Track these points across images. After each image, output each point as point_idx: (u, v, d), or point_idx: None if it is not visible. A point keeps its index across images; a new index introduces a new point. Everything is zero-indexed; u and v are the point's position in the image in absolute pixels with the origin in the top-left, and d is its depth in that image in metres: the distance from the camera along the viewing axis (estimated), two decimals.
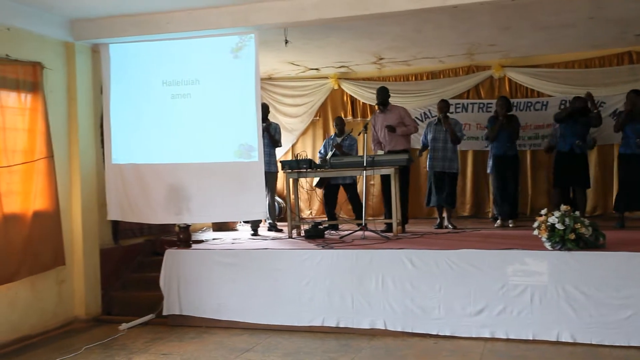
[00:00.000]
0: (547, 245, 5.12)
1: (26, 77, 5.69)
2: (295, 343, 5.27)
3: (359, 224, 6.76)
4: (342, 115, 9.52)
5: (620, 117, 7.08)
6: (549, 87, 8.69)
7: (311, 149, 9.90)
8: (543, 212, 5.25)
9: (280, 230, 7.75)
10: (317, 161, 7.83)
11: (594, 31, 7.30)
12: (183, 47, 6.33)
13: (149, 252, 7.38)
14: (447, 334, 5.22)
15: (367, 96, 9.43)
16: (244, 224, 8.67)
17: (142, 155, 6.46)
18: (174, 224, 6.63)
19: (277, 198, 8.75)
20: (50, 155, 5.87)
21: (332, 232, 7.21)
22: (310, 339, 5.37)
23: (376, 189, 9.21)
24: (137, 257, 7.28)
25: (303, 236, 6.88)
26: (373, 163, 6.68)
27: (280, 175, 8.06)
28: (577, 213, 5.16)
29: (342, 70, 9.49)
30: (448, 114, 7.73)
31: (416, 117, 9.06)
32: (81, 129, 6.36)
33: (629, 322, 4.78)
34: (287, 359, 4.83)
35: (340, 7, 5.62)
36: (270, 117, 7.98)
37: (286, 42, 6.59)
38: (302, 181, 8.27)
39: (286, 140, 9.61)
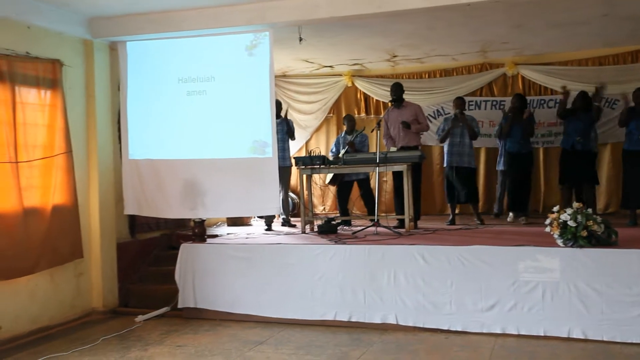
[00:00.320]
0: (559, 242, 5.07)
1: (46, 74, 5.75)
2: (307, 336, 5.27)
3: (371, 220, 6.75)
4: (356, 113, 9.51)
5: (623, 114, 7.03)
6: (561, 85, 8.58)
7: (325, 145, 9.88)
8: (555, 209, 5.21)
9: (294, 226, 7.75)
10: (331, 158, 7.82)
11: (608, 29, 7.21)
12: (198, 45, 6.35)
13: (164, 246, 7.44)
14: (459, 329, 5.19)
15: (380, 93, 9.39)
16: (258, 219, 8.69)
17: (158, 150, 6.49)
18: (189, 219, 6.68)
19: (290, 194, 8.76)
20: (69, 151, 5.92)
21: (344, 227, 7.21)
22: (322, 332, 5.38)
23: (389, 185, 9.18)
24: (153, 250, 7.33)
25: (316, 231, 6.88)
26: (386, 160, 6.66)
27: (294, 170, 8.07)
28: (590, 210, 5.11)
29: (356, 67, 9.46)
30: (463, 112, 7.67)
31: (429, 115, 9.02)
32: (99, 125, 6.41)
33: None
34: (300, 352, 4.84)
35: (353, 5, 5.60)
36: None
37: (300, 39, 6.57)
38: (316, 177, 8.30)
39: (300, 136, 9.62)
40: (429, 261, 5.36)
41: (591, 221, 4.92)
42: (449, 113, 9.17)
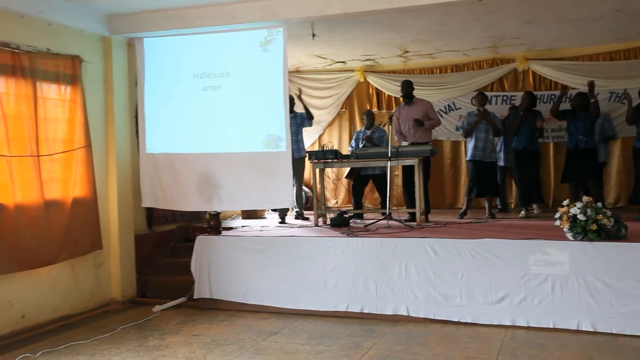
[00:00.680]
0: (569, 235, 5.04)
1: (66, 70, 5.80)
2: (320, 327, 5.30)
3: (383, 213, 6.74)
4: (368, 108, 9.49)
5: (629, 111, 6.95)
6: (573, 80, 8.51)
7: (337, 140, 9.89)
8: (565, 203, 5.17)
9: (307, 219, 7.77)
10: (344, 152, 7.81)
11: (620, 24, 7.13)
12: (214, 41, 6.37)
13: (181, 238, 7.48)
14: (469, 321, 5.19)
15: (392, 89, 9.37)
16: (272, 212, 8.71)
17: (175, 145, 6.53)
18: (205, 212, 6.71)
19: (304, 187, 8.77)
20: (88, 145, 5.98)
21: (357, 220, 7.21)
22: (334, 323, 5.40)
23: (400, 179, 9.16)
24: (170, 242, 7.38)
25: (329, 224, 6.88)
26: (397, 154, 6.65)
27: (308, 164, 8.07)
28: (600, 204, 5.07)
29: (368, 63, 9.44)
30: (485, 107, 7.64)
31: (440, 110, 8.99)
32: (117, 119, 6.45)
33: None
34: (313, 342, 4.86)
35: (365, 1, 5.59)
36: (297, 109, 7.98)
37: (313, 35, 6.58)
38: (328, 171, 8.28)
39: (313, 131, 9.63)
40: (440, 254, 5.36)
41: (601, 215, 4.89)
42: (460, 108, 9.19)
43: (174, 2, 5.90)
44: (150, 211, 7.03)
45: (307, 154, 7.73)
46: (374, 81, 9.61)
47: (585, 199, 5.08)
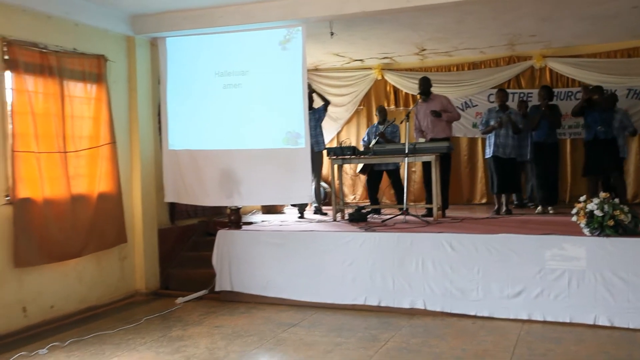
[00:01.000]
0: (586, 231, 4.98)
1: (91, 68, 5.87)
2: (338, 319, 5.31)
3: (400, 209, 6.73)
4: (385, 105, 9.46)
5: None
6: (590, 77, 8.38)
7: (355, 137, 9.88)
8: (582, 198, 5.11)
9: (325, 214, 7.77)
10: (361, 149, 7.81)
11: (637, 21, 7.00)
12: (234, 40, 6.39)
13: (202, 232, 7.54)
14: (485, 314, 5.15)
15: (409, 86, 9.33)
16: (291, 207, 8.73)
17: (196, 141, 6.57)
18: (226, 207, 6.75)
19: (322, 183, 8.78)
20: (113, 142, 6.05)
21: (374, 216, 7.19)
22: (352, 316, 5.40)
23: (417, 175, 9.14)
24: (192, 236, 7.44)
25: (347, 220, 6.88)
26: (415, 150, 6.62)
27: (326, 161, 8.07)
28: (617, 200, 5.00)
29: (386, 61, 9.40)
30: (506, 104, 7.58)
31: (457, 107, 8.89)
32: (141, 117, 6.52)
33: None
34: (331, 334, 4.87)
35: (383, 0, 5.56)
36: (315, 105, 7.98)
37: (332, 34, 6.58)
38: (347, 167, 8.28)
39: (331, 128, 9.66)
40: (457, 249, 5.33)
41: (618, 211, 4.82)
42: (477, 105, 9.11)
43: (196, 2, 5.94)
44: (172, 206, 7.09)
45: (325, 149, 7.74)
46: (392, 79, 9.57)
47: (602, 194, 5.01)
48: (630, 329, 4.67)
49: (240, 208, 6.58)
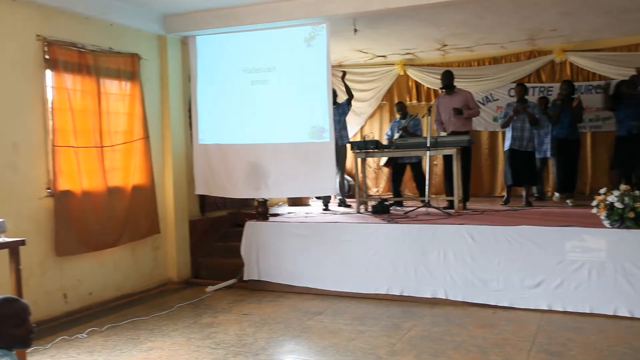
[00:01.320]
0: (606, 223, 4.92)
1: (126, 66, 5.97)
2: (362, 308, 5.34)
3: (422, 201, 6.71)
4: (407, 100, 9.42)
5: None
6: (611, 70, 8.22)
7: (378, 131, 9.85)
8: (602, 190, 5.04)
9: (349, 206, 7.78)
10: (384, 142, 7.80)
11: None
12: (261, 38, 6.42)
13: (231, 223, 7.61)
14: (505, 304, 5.14)
15: (431, 81, 9.27)
16: (316, 199, 8.77)
17: (225, 136, 6.64)
18: (253, 199, 6.81)
19: (346, 176, 8.80)
20: (146, 136, 6.14)
21: (397, 208, 7.19)
22: (375, 305, 5.43)
23: (439, 168, 9.09)
24: (221, 227, 7.52)
25: (370, 211, 6.89)
26: (436, 144, 6.59)
27: (350, 154, 8.07)
28: (638, 192, 4.92)
29: (408, 57, 9.35)
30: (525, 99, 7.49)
31: (478, 101, 8.81)
32: (172, 112, 6.60)
33: None
34: (355, 322, 4.91)
35: None
36: (339, 100, 7.99)
37: (355, 31, 6.56)
38: (370, 161, 8.27)
39: (355, 123, 9.64)
40: (477, 240, 5.31)
41: (638, 203, 4.74)
42: (498, 99, 9.02)
43: (225, 1, 5.99)
44: (203, 198, 7.17)
45: (349, 143, 7.75)
46: (414, 74, 9.52)
47: (622, 187, 4.93)
48: None
49: (267, 200, 6.63)
